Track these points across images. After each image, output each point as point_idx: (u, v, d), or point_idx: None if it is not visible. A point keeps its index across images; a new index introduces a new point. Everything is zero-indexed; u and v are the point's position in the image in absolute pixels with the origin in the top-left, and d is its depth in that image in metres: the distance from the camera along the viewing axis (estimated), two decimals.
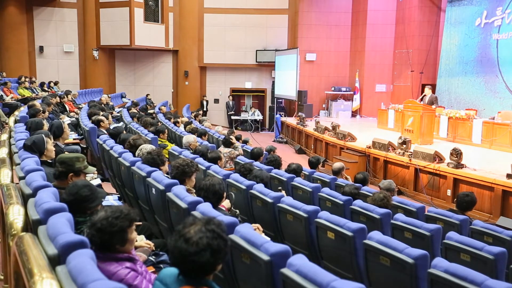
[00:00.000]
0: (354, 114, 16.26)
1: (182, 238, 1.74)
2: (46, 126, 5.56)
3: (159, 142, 6.98)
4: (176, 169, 3.80)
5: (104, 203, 3.38)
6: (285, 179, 5.15)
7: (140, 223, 2.58)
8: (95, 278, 1.57)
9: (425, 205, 5.21)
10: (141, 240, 2.93)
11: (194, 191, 3.63)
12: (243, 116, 17.92)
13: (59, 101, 10.88)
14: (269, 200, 3.91)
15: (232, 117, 17.88)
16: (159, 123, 9.50)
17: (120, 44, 16.59)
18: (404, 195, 8.18)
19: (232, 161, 6.59)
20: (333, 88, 16.70)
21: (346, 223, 3.27)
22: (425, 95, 11.08)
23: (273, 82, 17.65)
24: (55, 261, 1.83)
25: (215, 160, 5.45)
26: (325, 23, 16.79)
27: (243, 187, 4.28)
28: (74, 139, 7.50)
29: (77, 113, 10.30)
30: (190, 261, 1.72)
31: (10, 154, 4.46)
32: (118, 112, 11.72)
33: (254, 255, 2.33)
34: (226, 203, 3.48)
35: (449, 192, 7.53)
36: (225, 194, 3.42)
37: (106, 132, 6.77)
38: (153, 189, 3.70)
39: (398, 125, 11.99)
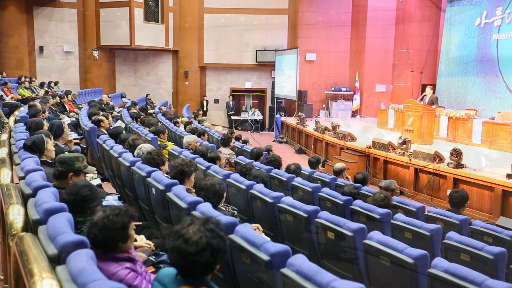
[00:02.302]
0: (354, 114, 16.26)
1: (181, 238, 1.74)
2: (46, 126, 5.56)
3: (159, 142, 6.98)
4: (175, 168, 3.80)
5: (104, 203, 3.39)
6: (285, 179, 5.15)
7: (140, 223, 2.58)
8: (95, 278, 1.57)
9: (425, 205, 5.21)
10: (141, 240, 2.93)
11: (194, 190, 3.63)
12: (243, 116, 17.92)
13: (59, 101, 10.89)
14: (269, 200, 3.91)
15: (232, 117, 17.88)
16: (159, 123, 9.50)
17: (120, 44, 16.59)
18: (404, 195, 8.18)
19: (230, 164, 6.57)
20: (333, 88, 16.69)
21: (346, 223, 3.27)
22: (425, 95, 11.08)
23: (273, 82, 17.65)
24: (55, 261, 1.83)
25: (214, 160, 5.44)
26: (325, 23, 16.79)
27: (243, 187, 4.28)
28: (74, 139, 7.49)
29: (77, 113, 10.31)
30: (190, 261, 1.71)
31: (10, 154, 4.46)
32: (118, 112, 11.72)
33: (254, 255, 2.33)
34: None
35: (449, 192, 7.52)
36: (225, 194, 3.42)
37: (106, 132, 6.76)
38: (153, 189, 3.70)
39: (398, 125, 11.99)
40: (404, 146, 8.70)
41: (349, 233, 3.17)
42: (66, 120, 8.17)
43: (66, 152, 4.60)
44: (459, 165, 7.48)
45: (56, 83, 15.00)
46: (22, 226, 2.35)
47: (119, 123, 8.94)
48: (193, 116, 13.56)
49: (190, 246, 1.71)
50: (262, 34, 17.59)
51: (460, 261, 3.31)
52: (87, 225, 2.17)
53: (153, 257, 2.87)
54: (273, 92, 17.68)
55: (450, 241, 3.60)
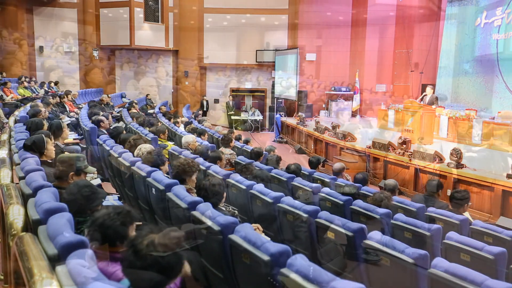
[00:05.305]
0: (354, 114, 16.26)
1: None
2: (46, 126, 5.56)
3: (159, 142, 6.98)
4: (176, 168, 3.80)
5: (104, 203, 3.39)
6: (285, 179, 5.14)
7: (140, 223, 2.58)
8: (95, 278, 1.57)
9: (425, 205, 5.20)
10: None
11: (195, 190, 3.63)
12: (243, 116, 17.92)
13: (59, 101, 10.89)
14: (269, 200, 3.91)
15: (232, 117, 17.88)
16: (159, 123, 9.49)
17: (120, 44, 16.60)
18: (404, 195, 8.18)
19: (231, 164, 6.56)
20: (333, 88, 16.69)
21: (346, 223, 3.27)
22: (425, 95, 11.07)
23: (273, 82, 17.65)
24: (55, 261, 1.83)
25: (215, 160, 5.44)
26: (325, 23, 16.79)
27: (243, 187, 4.28)
28: (74, 139, 7.49)
29: (77, 113, 10.31)
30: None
31: (10, 154, 4.46)
32: (118, 112, 11.72)
33: (254, 255, 2.32)
34: None
35: (449, 192, 7.52)
36: (225, 194, 3.42)
37: (106, 132, 6.77)
38: (153, 189, 3.70)
39: (398, 125, 11.98)
40: (404, 146, 8.70)
41: (349, 233, 3.17)
42: (66, 120, 8.17)
43: (66, 152, 4.60)
44: (459, 165, 7.48)
45: (56, 83, 15.01)
46: (22, 226, 2.35)
47: (120, 124, 8.94)
48: (193, 116, 13.56)
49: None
50: (262, 34, 17.58)
51: (460, 261, 3.31)
52: (90, 221, 2.19)
53: None
54: (273, 92, 17.67)
55: (450, 241, 3.60)
